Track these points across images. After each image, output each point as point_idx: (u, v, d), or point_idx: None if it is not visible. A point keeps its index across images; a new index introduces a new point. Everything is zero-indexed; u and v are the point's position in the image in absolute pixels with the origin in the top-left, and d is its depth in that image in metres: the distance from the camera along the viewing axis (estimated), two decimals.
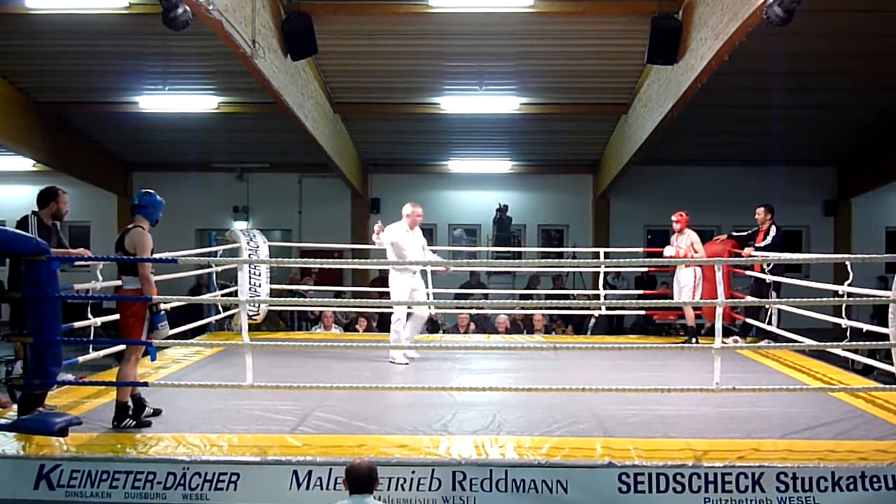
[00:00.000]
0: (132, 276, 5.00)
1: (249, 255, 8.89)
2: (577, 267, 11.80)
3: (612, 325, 10.62)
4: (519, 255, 13.05)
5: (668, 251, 8.24)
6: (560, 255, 14.68)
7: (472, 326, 10.22)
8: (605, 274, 9.43)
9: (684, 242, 8.23)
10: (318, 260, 9.52)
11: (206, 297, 8.19)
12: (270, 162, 15.25)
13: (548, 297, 11.18)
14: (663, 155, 13.96)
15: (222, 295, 8.82)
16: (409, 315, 7.29)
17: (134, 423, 5.09)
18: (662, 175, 15.31)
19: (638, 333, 10.64)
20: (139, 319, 4.92)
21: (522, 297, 11.64)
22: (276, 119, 11.64)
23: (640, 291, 11.61)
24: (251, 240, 9.17)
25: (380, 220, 7.15)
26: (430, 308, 7.32)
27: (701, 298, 8.18)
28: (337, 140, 12.99)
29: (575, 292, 12.29)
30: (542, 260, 12.92)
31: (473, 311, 9.98)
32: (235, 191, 15.72)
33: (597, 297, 9.80)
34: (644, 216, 15.64)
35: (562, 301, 10.67)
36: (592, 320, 10.46)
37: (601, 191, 15.21)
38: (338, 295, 11.72)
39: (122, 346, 5.97)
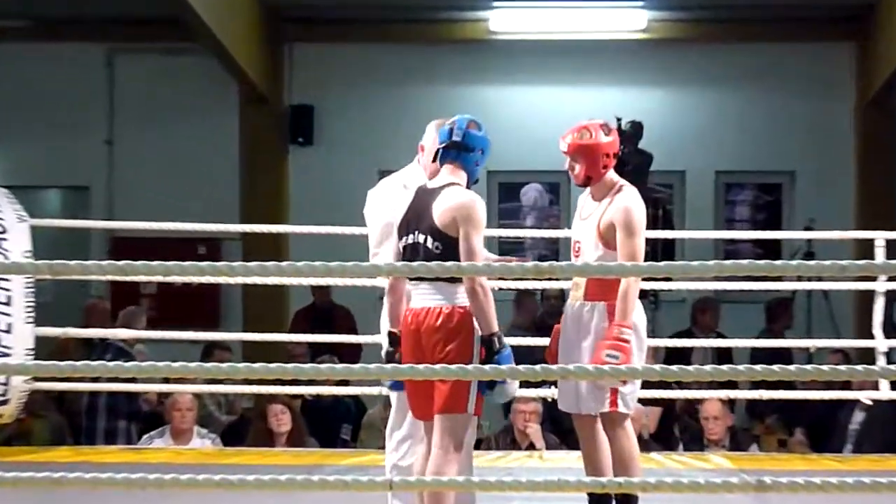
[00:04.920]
0: (450, 283, 4.92)
1: None
2: (816, 274, 9.39)
3: None
4: (669, 250, 11.46)
5: (576, 232, 6.13)
6: (775, 250, 12.33)
7: (536, 429, 8.30)
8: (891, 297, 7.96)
9: (598, 216, 5.83)
10: (154, 263, 5.46)
11: None
12: (36, 17, 13.36)
13: (753, 356, 9.20)
14: None
15: None
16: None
17: None
18: None
19: None
20: (468, 361, 4.86)
21: (672, 355, 9.67)
22: None
23: None
24: None
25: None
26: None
27: None
28: None
29: (817, 344, 9.96)
30: (728, 262, 10.24)
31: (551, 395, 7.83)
32: None
33: (869, 356, 8.23)
34: None
35: (783, 370, 8.39)
36: (858, 414, 8.87)
37: (877, 87, 12.52)
38: (209, 352, 9.95)
39: None
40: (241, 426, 9.59)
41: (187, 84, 12.96)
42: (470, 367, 4.69)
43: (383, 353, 5.11)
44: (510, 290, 9.63)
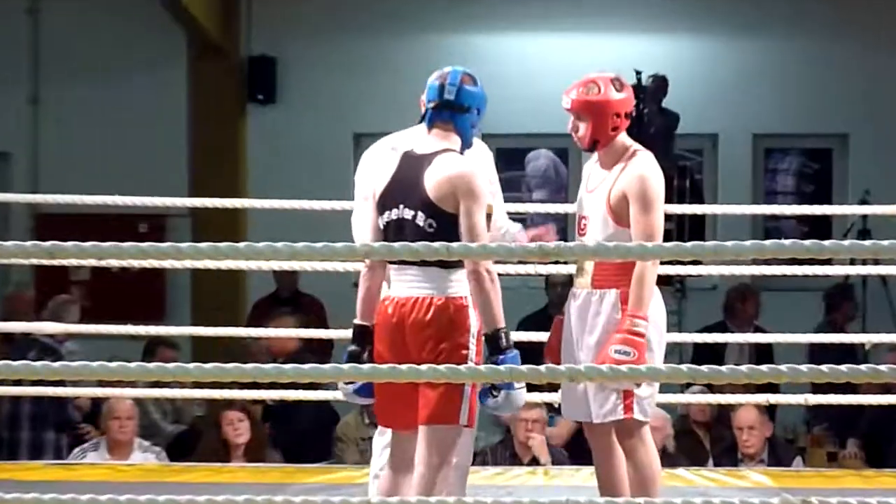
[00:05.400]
0: (445, 269, 4.64)
1: None
2: (873, 256, 7.88)
3: None
4: (699, 227, 10.89)
5: (582, 206, 6.04)
6: (824, 228, 11.88)
7: (540, 441, 8.19)
8: None
9: (608, 187, 5.89)
10: (87, 244, 4.44)
11: None
12: None
13: (814, 353, 8.90)
14: None
15: None
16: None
17: None
18: None
19: None
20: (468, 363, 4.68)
21: (700, 353, 9.50)
22: None
23: None
24: None
25: (551, 225, 6.07)
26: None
27: None
28: None
29: (873, 339, 9.05)
30: (769, 243, 10.05)
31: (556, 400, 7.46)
32: None
33: None
34: None
35: (831, 370, 5.80)
36: None
37: None
38: (152, 349, 9.75)
39: None
40: (191, 437, 9.29)
41: (126, 33, 12.41)
42: (463, 367, 4.29)
43: (346, 352, 4.72)
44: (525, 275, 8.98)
